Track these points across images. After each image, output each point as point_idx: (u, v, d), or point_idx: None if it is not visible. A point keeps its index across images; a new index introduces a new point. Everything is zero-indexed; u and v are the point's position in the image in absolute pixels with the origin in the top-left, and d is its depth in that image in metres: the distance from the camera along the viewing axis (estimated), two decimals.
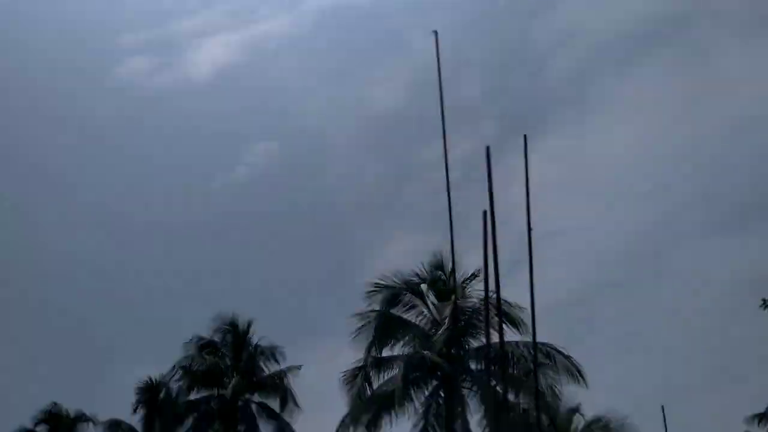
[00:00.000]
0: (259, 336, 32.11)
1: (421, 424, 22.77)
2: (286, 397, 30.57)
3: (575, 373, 22.44)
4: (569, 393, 24.44)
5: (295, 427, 30.42)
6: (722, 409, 65.55)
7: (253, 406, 31.09)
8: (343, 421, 22.81)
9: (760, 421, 24.91)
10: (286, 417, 30.55)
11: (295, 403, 30.60)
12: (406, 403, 22.58)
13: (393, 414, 22.59)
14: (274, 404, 30.90)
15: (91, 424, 34.94)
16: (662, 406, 16.11)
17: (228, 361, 31.32)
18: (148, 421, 33.68)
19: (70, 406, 35.54)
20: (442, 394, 22.93)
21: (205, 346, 31.09)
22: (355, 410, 22.61)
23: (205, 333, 31.47)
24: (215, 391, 30.57)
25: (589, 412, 26.08)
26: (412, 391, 22.79)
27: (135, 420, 34.03)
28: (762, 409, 25.41)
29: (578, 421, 26.27)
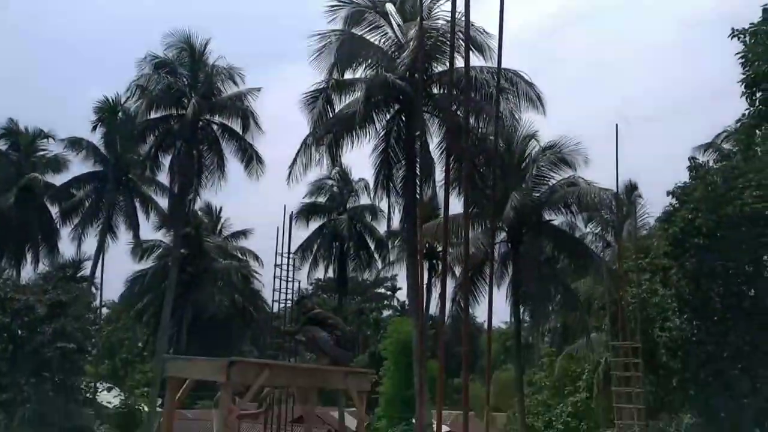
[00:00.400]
0: (216, 56, 31.05)
1: (381, 147, 23.05)
2: (248, 118, 30.34)
3: (535, 99, 22.44)
4: (528, 120, 24.69)
5: (257, 148, 30.74)
6: (672, 138, 69.00)
7: (215, 127, 30.97)
8: (304, 142, 22.83)
9: (705, 150, 25.83)
10: (248, 138, 30.64)
11: (257, 125, 30.49)
12: (367, 125, 22.60)
13: (354, 135, 22.71)
14: (236, 126, 30.79)
15: (50, 140, 34.89)
16: (616, 125, 16.24)
17: (185, 81, 30.47)
18: (108, 139, 33.77)
19: (29, 124, 35.23)
20: (404, 118, 22.88)
21: (160, 65, 29.88)
22: (317, 131, 22.55)
23: (160, 52, 30.17)
24: (174, 111, 30.16)
25: (546, 139, 26.54)
26: (374, 114, 22.69)
27: (95, 138, 34.09)
28: (710, 140, 26.27)
29: (533, 147, 26.84)
